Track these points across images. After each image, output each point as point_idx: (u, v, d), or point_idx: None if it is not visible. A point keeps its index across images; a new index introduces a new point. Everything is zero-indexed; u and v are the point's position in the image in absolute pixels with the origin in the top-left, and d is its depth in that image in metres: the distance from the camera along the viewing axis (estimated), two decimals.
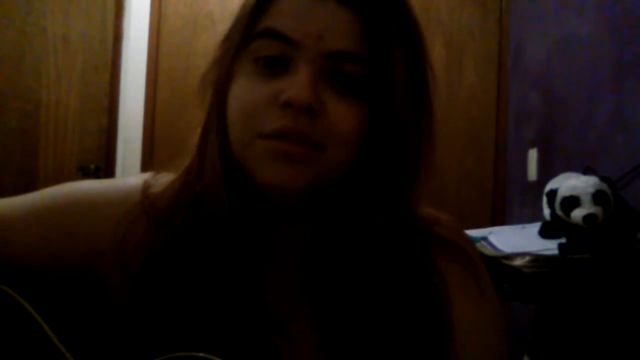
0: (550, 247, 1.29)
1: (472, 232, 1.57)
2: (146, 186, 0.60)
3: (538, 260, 1.23)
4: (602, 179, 1.30)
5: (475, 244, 0.66)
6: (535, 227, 1.47)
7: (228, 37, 0.56)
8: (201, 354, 0.49)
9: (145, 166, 2.64)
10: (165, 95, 2.69)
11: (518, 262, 1.25)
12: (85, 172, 2.63)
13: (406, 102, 0.52)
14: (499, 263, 1.30)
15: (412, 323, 0.56)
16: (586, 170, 1.61)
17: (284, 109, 0.50)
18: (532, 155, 2.32)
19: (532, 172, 2.31)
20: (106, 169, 2.69)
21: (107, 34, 2.71)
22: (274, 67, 0.52)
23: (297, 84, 0.49)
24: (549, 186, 1.51)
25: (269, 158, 0.50)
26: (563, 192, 1.30)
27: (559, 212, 1.31)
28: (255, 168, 0.52)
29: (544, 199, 1.45)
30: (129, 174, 2.62)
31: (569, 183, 1.32)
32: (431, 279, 0.59)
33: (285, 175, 0.50)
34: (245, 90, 0.52)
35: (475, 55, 2.74)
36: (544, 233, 1.40)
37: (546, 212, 1.45)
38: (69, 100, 2.65)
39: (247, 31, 0.53)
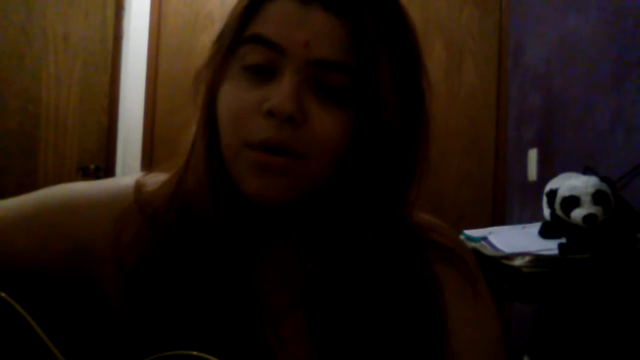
0: (550, 247, 1.29)
1: (472, 232, 1.57)
2: (139, 185, 0.60)
3: (538, 260, 1.23)
4: (602, 179, 1.30)
5: (471, 250, 0.66)
6: (535, 227, 1.46)
7: (219, 39, 0.57)
8: (194, 352, 0.49)
9: (145, 166, 2.64)
10: (165, 95, 2.69)
11: (518, 262, 1.25)
12: (85, 172, 2.63)
13: (392, 113, 0.52)
14: (499, 263, 1.30)
15: (408, 326, 0.56)
16: (586, 170, 1.61)
17: (268, 118, 0.50)
18: (532, 155, 2.32)
19: (532, 172, 2.31)
20: (106, 169, 2.69)
21: (107, 34, 2.71)
22: (262, 73, 0.52)
23: (280, 93, 0.50)
24: (549, 186, 1.51)
25: (252, 170, 0.51)
26: (563, 192, 1.30)
27: (559, 212, 1.31)
28: (241, 179, 0.52)
29: (544, 199, 1.45)
30: (129, 174, 2.62)
31: (569, 183, 1.32)
32: (427, 283, 0.59)
33: (265, 186, 0.51)
34: (232, 96, 0.53)
35: (475, 55, 2.74)
36: (544, 233, 1.40)
37: (546, 212, 1.45)
38: (69, 100, 2.65)
39: (236, 35, 0.54)
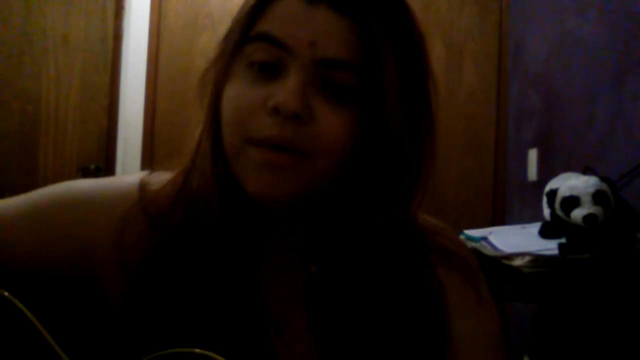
0: (550, 247, 1.29)
1: (472, 232, 1.57)
2: (144, 184, 0.60)
3: (538, 260, 1.23)
4: (602, 179, 1.30)
5: (473, 253, 0.66)
6: (535, 227, 1.46)
7: (226, 38, 0.57)
8: (197, 350, 0.49)
9: (145, 166, 2.63)
10: (165, 95, 2.68)
11: (518, 262, 1.25)
12: (85, 172, 2.63)
13: (397, 113, 0.52)
14: (499, 263, 1.30)
15: (409, 328, 0.56)
16: (586, 170, 1.61)
17: (272, 115, 0.50)
18: (532, 155, 2.32)
19: (532, 172, 2.31)
20: (106, 169, 2.69)
21: (107, 34, 2.71)
22: (268, 72, 0.52)
23: (285, 91, 0.50)
24: (549, 186, 1.51)
25: (256, 168, 0.51)
26: (563, 192, 1.30)
27: (559, 212, 1.31)
28: (244, 177, 0.52)
29: (544, 199, 1.45)
30: (129, 174, 2.61)
31: (569, 183, 1.32)
32: (430, 285, 0.59)
33: (271, 184, 0.51)
34: (237, 93, 0.53)
35: (475, 55, 2.74)
36: (544, 233, 1.40)
37: (546, 212, 1.45)
38: (69, 100, 2.65)
39: (243, 34, 0.54)
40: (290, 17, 0.51)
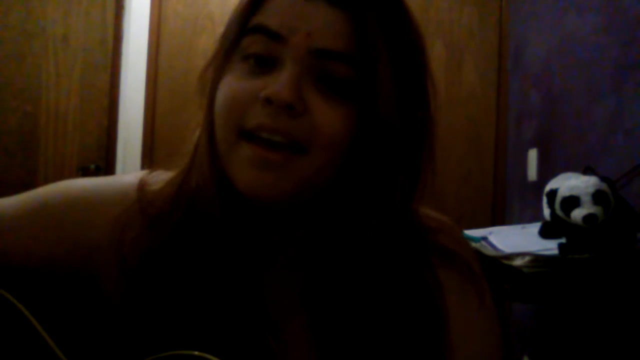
0: (550, 247, 1.28)
1: (472, 232, 1.57)
2: (143, 183, 0.60)
3: (538, 260, 1.23)
4: (602, 179, 1.30)
5: (475, 253, 0.65)
6: (535, 227, 1.46)
7: (223, 35, 0.57)
8: (196, 353, 0.49)
9: (145, 166, 2.62)
10: (165, 95, 2.68)
11: (518, 262, 1.25)
12: (85, 172, 2.63)
13: (391, 108, 0.51)
14: (499, 263, 1.30)
15: (407, 328, 0.56)
16: (586, 170, 1.61)
17: (265, 106, 0.50)
18: (532, 155, 2.32)
19: (532, 172, 2.31)
20: (106, 169, 2.69)
21: (107, 34, 2.71)
22: (263, 66, 0.52)
23: (278, 81, 0.49)
24: (549, 186, 1.51)
25: (248, 165, 0.50)
26: (563, 192, 1.30)
27: (559, 212, 1.31)
28: (236, 174, 0.51)
29: (544, 199, 1.45)
30: (129, 173, 2.61)
31: (569, 183, 1.32)
32: (429, 285, 0.58)
33: (264, 182, 0.50)
34: (231, 86, 0.52)
35: (475, 55, 2.74)
36: (544, 233, 1.40)
37: (546, 212, 1.45)
38: (69, 100, 2.65)
39: (239, 28, 0.54)
40: (287, 10, 0.51)
